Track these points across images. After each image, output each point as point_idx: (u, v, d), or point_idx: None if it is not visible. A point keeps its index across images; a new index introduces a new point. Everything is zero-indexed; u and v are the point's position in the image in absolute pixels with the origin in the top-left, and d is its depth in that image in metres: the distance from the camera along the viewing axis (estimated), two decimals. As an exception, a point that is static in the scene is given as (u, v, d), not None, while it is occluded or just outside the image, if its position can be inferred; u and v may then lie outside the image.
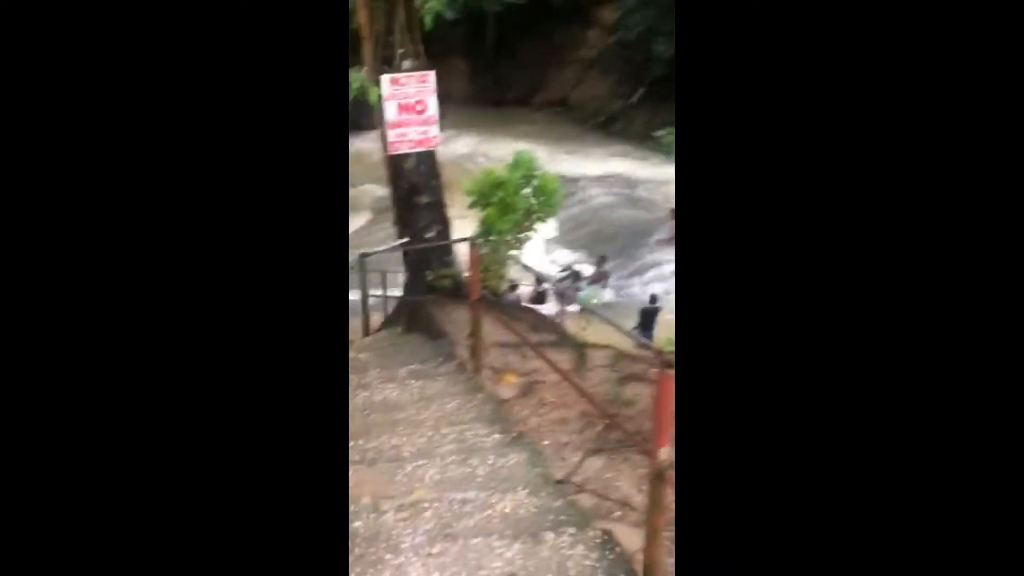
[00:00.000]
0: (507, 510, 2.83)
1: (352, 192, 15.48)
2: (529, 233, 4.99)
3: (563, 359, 5.41)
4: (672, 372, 2.17)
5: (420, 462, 3.26)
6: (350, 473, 3.12)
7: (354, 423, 3.84)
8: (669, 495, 2.26)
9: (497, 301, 5.81)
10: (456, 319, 5.97)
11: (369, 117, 5.98)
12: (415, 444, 3.51)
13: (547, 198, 4.81)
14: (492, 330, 5.81)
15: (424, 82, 5.62)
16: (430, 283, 5.85)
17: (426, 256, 5.97)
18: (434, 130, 5.73)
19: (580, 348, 5.19)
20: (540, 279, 11.68)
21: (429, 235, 5.95)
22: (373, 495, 2.97)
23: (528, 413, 4.25)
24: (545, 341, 5.63)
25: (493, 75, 21.93)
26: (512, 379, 4.99)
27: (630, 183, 16.44)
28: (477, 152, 17.20)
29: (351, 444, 3.53)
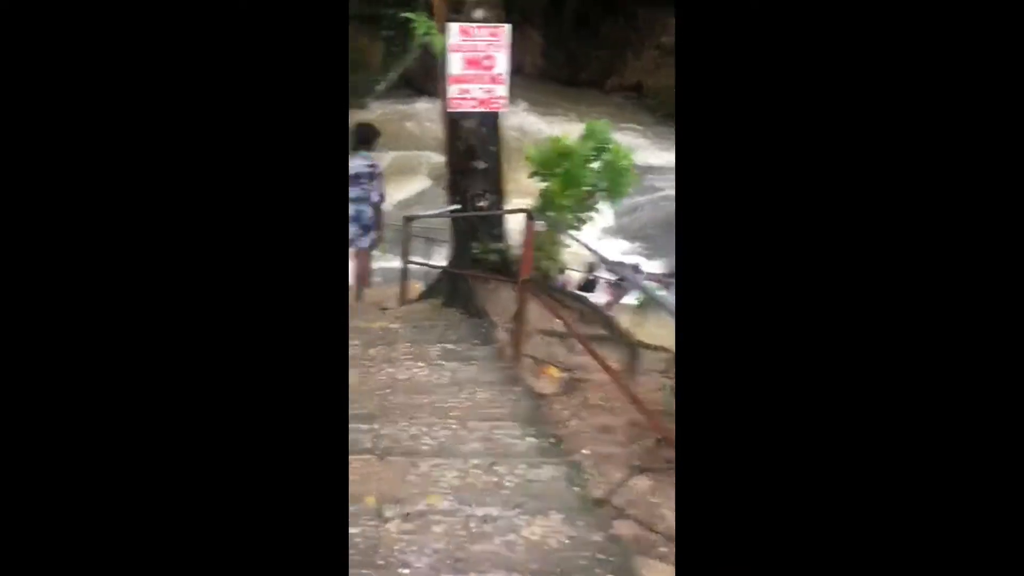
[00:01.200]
0: (535, 537, 2.33)
1: (409, 156, 15.21)
2: (591, 213, 4.43)
3: (613, 358, 4.88)
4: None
5: (439, 461, 2.79)
6: (356, 465, 2.66)
7: (372, 403, 3.38)
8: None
9: (546, 284, 5.29)
10: (500, 298, 5.48)
11: (434, 80, 5.47)
12: (436, 438, 3.03)
13: (617, 176, 4.23)
14: (537, 316, 5.31)
15: (496, 36, 5.08)
16: (476, 256, 5.35)
17: (475, 226, 5.47)
18: (501, 90, 5.20)
19: (633, 347, 4.64)
20: (593, 265, 11.13)
21: (481, 204, 5.44)
22: (379, 496, 2.51)
23: (569, 415, 3.74)
24: (595, 335, 5.10)
25: (568, 52, 21.25)
26: (555, 373, 4.47)
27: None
28: (539, 130, 16.65)
29: (365, 428, 3.08)
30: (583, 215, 4.39)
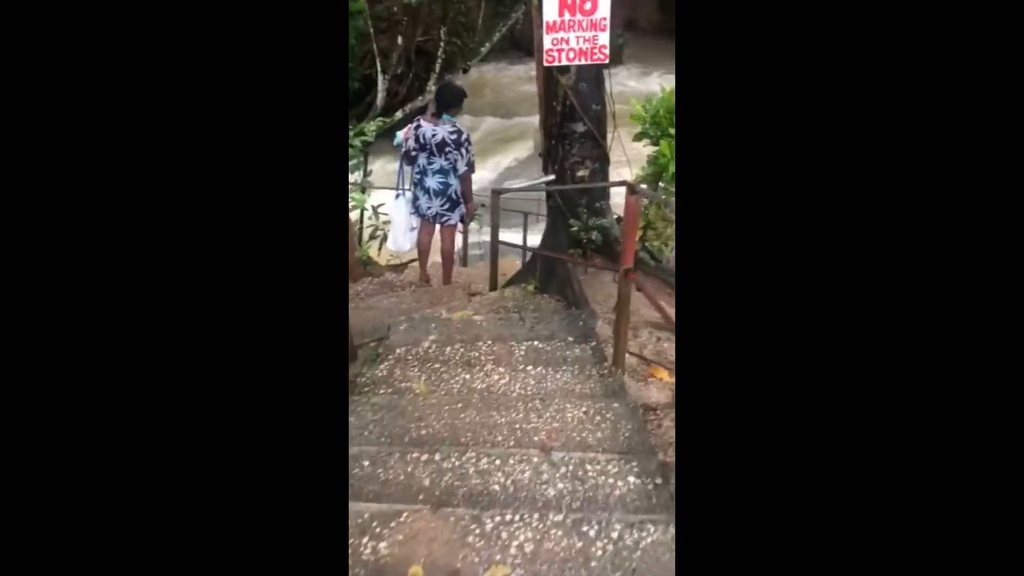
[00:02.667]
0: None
1: (513, 122, 14.52)
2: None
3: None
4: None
5: (509, 514, 2.16)
6: (407, 518, 2.07)
7: (439, 421, 2.79)
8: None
9: (659, 268, 4.50)
10: (602, 283, 4.76)
11: (531, 35, 4.73)
12: (511, 476, 2.40)
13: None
14: (645, 306, 4.54)
15: (597, -28, 4.28)
16: (574, 235, 4.64)
17: (574, 200, 4.75)
18: (604, 38, 4.40)
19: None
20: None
21: (581, 173, 4.70)
22: (427, 566, 1.92)
23: (682, 437, 3.01)
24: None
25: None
26: (666, 376, 3.73)
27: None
28: (653, 92, 15.54)
29: (425, 459, 2.49)
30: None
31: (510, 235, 5.52)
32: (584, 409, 2.91)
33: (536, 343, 3.65)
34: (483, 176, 12.08)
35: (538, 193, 5.16)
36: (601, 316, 4.28)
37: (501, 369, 3.27)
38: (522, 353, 3.52)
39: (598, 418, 2.85)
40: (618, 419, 2.85)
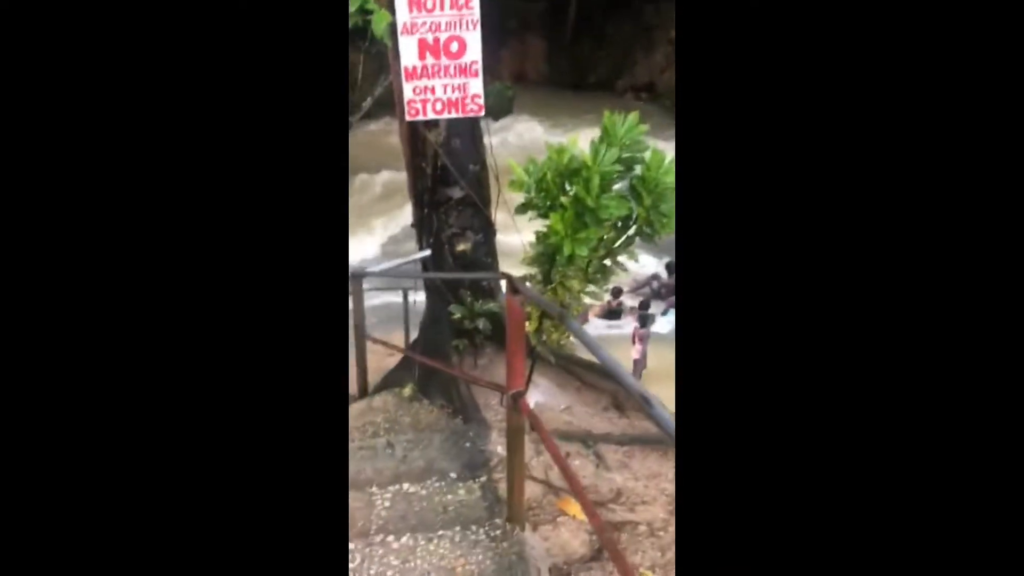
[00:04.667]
0: None
1: (400, 179, 13.65)
2: (625, 260, 2.80)
3: (670, 469, 3.27)
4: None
5: None
6: None
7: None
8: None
9: (562, 358, 3.69)
10: (498, 375, 3.91)
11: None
12: None
13: (662, 200, 2.61)
14: (552, 407, 3.71)
15: (462, 8, 3.54)
16: (457, 322, 3.78)
17: (454, 279, 3.91)
18: (476, 85, 3.64)
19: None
20: (618, 290, 9.49)
21: (462, 248, 3.88)
22: None
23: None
24: (638, 433, 3.50)
25: (572, 56, 19.81)
26: (577, 511, 2.87)
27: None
28: (544, 142, 15.16)
29: None
30: (609, 265, 2.78)
31: (374, 333, 4.56)
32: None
33: (406, 486, 2.72)
34: (368, 243, 11.11)
35: (414, 269, 4.28)
36: (495, 426, 3.41)
37: (359, 545, 2.30)
38: (385, 507, 2.57)
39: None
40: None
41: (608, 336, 8.44)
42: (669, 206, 2.64)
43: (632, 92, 18.82)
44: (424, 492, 2.69)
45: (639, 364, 7.74)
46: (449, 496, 2.67)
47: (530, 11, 19.26)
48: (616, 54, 19.32)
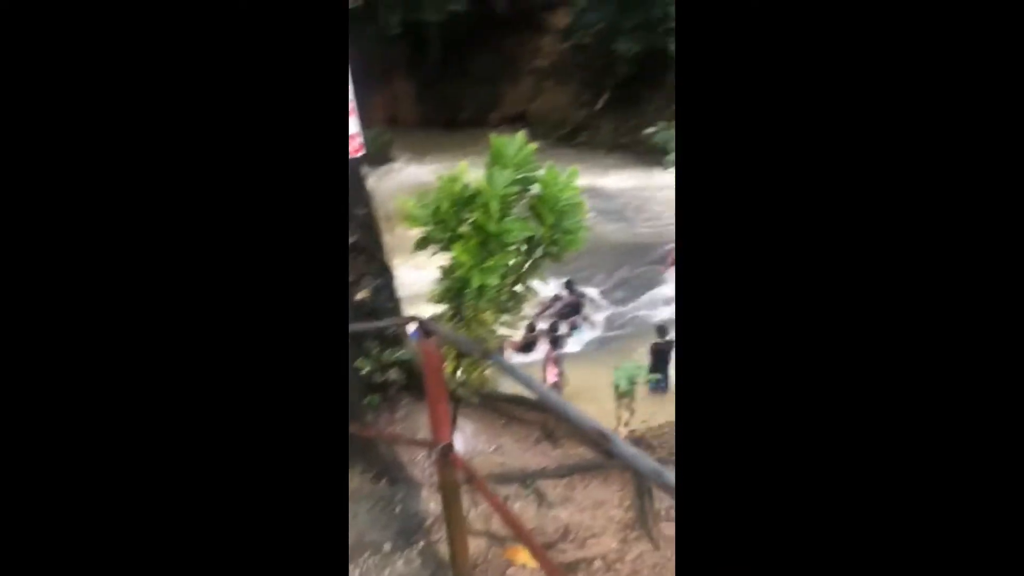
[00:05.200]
0: None
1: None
2: (535, 282, 2.66)
3: (614, 494, 3.12)
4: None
5: None
6: None
7: None
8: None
9: (488, 395, 3.48)
10: (420, 426, 3.66)
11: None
12: None
13: (563, 217, 2.49)
14: (481, 450, 3.51)
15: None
16: (366, 376, 3.51)
17: (357, 331, 3.64)
18: (352, 126, 3.44)
19: (643, 484, 2.89)
20: (531, 325, 9.39)
21: (360, 297, 3.63)
22: None
23: None
24: (575, 462, 3.34)
25: (442, 94, 19.90)
26: (527, 559, 2.67)
27: (607, 195, 14.49)
28: (430, 182, 15.07)
29: None
30: (520, 291, 2.63)
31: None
32: None
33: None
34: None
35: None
36: (425, 482, 3.16)
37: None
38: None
39: None
40: None
41: (525, 364, 8.30)
42: (572, 222, 2.52)
43: (506, 123, 19.12)
44: (359, 573, 2.40)
45: (557, 387, 7.65)
46: (387, 571, 2.40)
47: (393, 54, 19.22)
48: (484, 88, 19.61)
